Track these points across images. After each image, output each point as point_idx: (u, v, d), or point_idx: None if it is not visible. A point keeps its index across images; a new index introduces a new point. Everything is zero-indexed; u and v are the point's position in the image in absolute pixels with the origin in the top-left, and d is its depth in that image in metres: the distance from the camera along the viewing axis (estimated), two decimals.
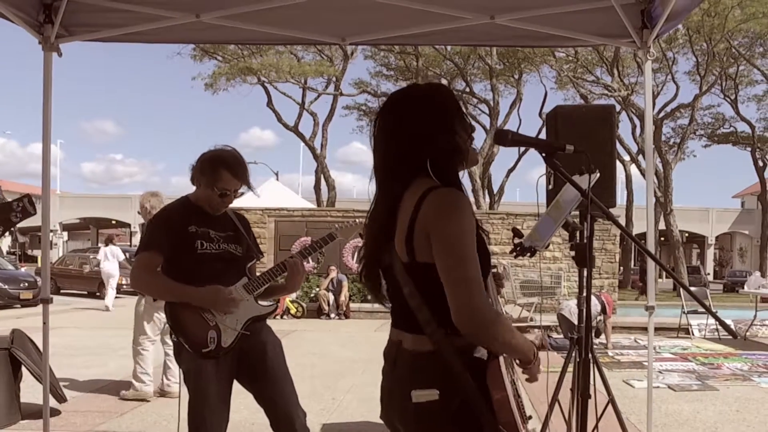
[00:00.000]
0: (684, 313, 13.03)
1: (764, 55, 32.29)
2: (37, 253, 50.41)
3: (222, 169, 3.26)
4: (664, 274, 44.11)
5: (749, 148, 39.48)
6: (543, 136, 4.52)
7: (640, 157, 35.09)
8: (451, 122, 1.97)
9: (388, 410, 2.04)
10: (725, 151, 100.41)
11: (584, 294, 4.48)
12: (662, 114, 33.14)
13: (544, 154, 2.03)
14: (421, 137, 1.94)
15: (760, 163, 40.21)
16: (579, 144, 4.38)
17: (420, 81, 28.45)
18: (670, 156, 33.25)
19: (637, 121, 34.08)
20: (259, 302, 3.39)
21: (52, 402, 5.10)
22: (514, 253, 2.30)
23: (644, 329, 13.53)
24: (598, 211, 2.01)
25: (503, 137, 2.01)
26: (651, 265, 4.84)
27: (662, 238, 36.57)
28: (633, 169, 36.36)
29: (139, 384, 6.65)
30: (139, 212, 7.20)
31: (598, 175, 2.54)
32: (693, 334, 13.01)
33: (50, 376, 4.88)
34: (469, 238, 1.84)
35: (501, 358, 1.90)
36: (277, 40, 5.09)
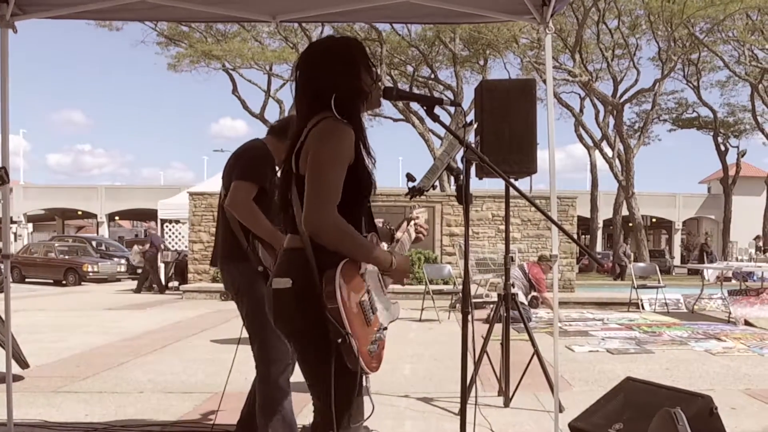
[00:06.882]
0: (634, 288, 13.53)
1: (726, 42, 32.84)
2: None
3: None
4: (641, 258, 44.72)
5: (712, 133, 40.27)
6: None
7: (604, 143, 35.73)
8: (357, 69, 2.37)
9: None
10: (693, 138, 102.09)
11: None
12: (623, 98, 33.64)
13: (425, 108, 2.38)
14: (329, 79, 2.34)
15: (723, 148, 41.09)
16: (502, 114, 4.81)
17: (376, 64, 28.54)
18: (633, 141, 33.78)
19: (600, 107, 34.59)
20: None
21: (15, 368, 5.34)
22: (409, 196, 2.65)
23: (595, 303, 14.14)
24: (474, 156, 2.36)
25: (389, 93, 2.36)
26: (554, 231, 5.37)
27: (629, 224, 37.07)
28: (597, 154, 36.98)
29: None
30: None
31: (475, 125, 2.92)
32: (643, 308, 13.51)
33: (13, 342, 5.10)
34: (336, 162, 2.23)
35: (352, 264, 2.23)
36: (213, 18, 5.49)
